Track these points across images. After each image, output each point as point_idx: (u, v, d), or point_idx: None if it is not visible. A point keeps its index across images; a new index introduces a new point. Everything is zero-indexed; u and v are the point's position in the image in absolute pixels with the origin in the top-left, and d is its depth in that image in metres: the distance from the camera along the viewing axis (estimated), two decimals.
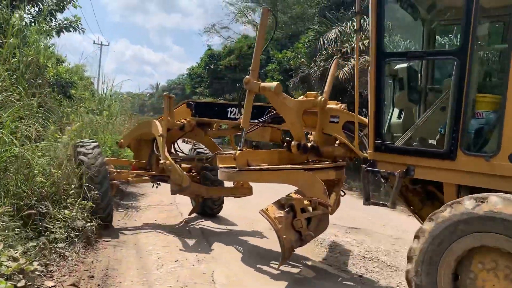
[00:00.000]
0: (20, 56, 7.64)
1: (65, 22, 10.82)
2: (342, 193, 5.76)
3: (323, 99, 5.22)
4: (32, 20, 10.00)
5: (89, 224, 5.73)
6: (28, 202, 5.06)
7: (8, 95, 6.21)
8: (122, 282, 4.69)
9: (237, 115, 6.22)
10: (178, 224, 7.52)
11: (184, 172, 6.77)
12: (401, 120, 4.42)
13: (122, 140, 7.91)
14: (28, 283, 3.77)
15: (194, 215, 8.03)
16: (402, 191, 4.41)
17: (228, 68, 31.77)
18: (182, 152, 7.89)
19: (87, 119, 10.34)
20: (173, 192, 6.72)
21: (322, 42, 17.31)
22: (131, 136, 7.87)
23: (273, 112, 5.71)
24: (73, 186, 6.08)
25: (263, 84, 5.20)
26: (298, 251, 5.50)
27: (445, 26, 5.21)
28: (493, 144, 3.57)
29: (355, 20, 16.27)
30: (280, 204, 4.84)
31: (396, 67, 4.41)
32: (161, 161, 6.43)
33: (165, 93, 6.99)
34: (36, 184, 5.41)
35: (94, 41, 39.83)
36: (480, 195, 3.18)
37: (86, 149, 6.52)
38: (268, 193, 6.59)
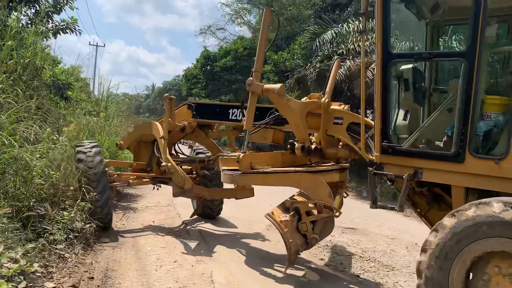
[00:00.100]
0: (17, 58, 7.59)
1: (62, 23, 10.80)
2: (345, 195, 5.75)
3: (327, 100, 5.19)
4: (29, 22, 9.93)
5: (88, 225, 5.72)
6: (27, 203, 5.04)
7: (6, 97, 6.16)
8: (122, 283, 4.69)
9: (239, 117, 6.17)
10: (178, 227, 7.47)
11: (186, 175, 6.71)
12: (407, 121, 4.38)
13: (121, 142, 7.83)
14: (29, 284, 3.79)
15: (193, 216, 7.96)
16: (408, 193, 4.37)
17: (224, 69, 31.69)
18: (183, 154, 7.84)
19: (84, 121, 10.25)
20: (176, 195, 6.64)
21: (318, 44, 17.26)
22: (131, 138, 7.80)
23: (275, 113, 5.67)
24: (71, 188, 6.02)
25: (266, 85, 5.16)
26: None
27: (448, 26, 5.19)
28: (502, 146, 3.55)
29: (351, 21, 16.54)
30: (285, 207, 4.80)
31: (401, 68, 4.38)
32: (163, 164, 6.37)
33: (166, 94, 6.92)
34: (35, 186, 5.37)
35: (89, 42, 39.78)
36: (510, 199, 3.12)
37: (86, 152, 6.45)
38: (264, 194, 6.59)
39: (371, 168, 4.14)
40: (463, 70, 3.62)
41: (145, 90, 76.54)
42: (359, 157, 5.07)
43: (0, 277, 3.58)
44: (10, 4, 8.86)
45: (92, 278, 4.66)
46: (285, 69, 22.62)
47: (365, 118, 4.59)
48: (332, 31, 16.96)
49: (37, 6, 10.37)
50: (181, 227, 7.43)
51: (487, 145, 3.72)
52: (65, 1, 10.87)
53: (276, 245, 6.52)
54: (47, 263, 4.55)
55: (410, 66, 4.37)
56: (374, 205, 4.22)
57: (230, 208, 8.42)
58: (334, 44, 16.72)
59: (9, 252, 3.95)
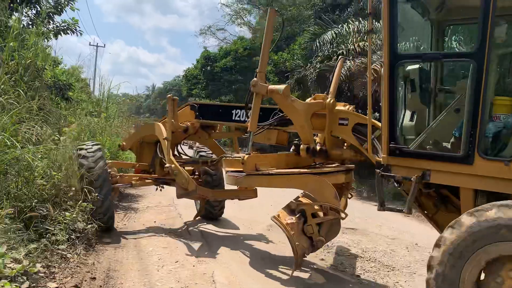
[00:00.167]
0: (19, 59, 7.58)
1: (63, 24, 10.78)
2: (349, 196, 5.73)
3: (332, 101, 5.15)
4: (30, 23, 9.90)
5: (89, 226, 5.73)
6: (29, 204, 5.02)
7: (8, 98, 6.14)
8: (124, 283, 4.69)
9: (242, 117, 6.12)
10: (179, 227, 7.44)
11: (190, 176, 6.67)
12: (414, 122, 4.34)
13: (124, 143, 7.80)
14: (31, 285, 3.80)
15: (196, 218, 7.93)
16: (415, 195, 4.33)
17: (224, 70, 31.70)
18: (186, 155, 7.81)
19: (85, 121, 10.23)
20: (179, 196, 6.57)
21: (318, 44, 17.28)
22: (134, 139, 7.77)
23: (279, 114, 5.62)
24: (73, 189, 5.99)
25: (271, 86, 5.11)
26: None
27: (454, 26, 5.15)
28: None
29: (351, 22, 16.53)
30: (290, 209, 4.76)
31: (407, 68, 4.34)
32: (167, 165, 6.32)
33: (169, 95, 6.86)
34: (37, 187, 5.36)
35: (90, 42, 39.74)
36: None
37: (88, 153, 6.41)
38: (264, 194, 6.55)
39: (378, 170, 4.09)
40: (471, 71, 3.56)
41: (145, 90, 76.65)
42: (364, 158, 5.03)
43: (3, 277, 3.57)
44: (11, 5, 8.82)
45: (94, 278, 4.66)
46: (285, 69, 22.63)
47: (373, 120, 4.55)
48: (332, 31, 16.97)
49: (38, 7, 10.36)
50: (183, 228, 7.40)
51: (496, 147, 3.68)
52: (66, 2, 10.85)
53: (277, 245, 6.52)
54: (50, 264, 4.55)
55: (416, 66, 4.34)
56: (382, 207, 4.16)
57: (231, 209, 8.40)
58: (334, 45, 16.74)
59: (12, 253, 3.96)
